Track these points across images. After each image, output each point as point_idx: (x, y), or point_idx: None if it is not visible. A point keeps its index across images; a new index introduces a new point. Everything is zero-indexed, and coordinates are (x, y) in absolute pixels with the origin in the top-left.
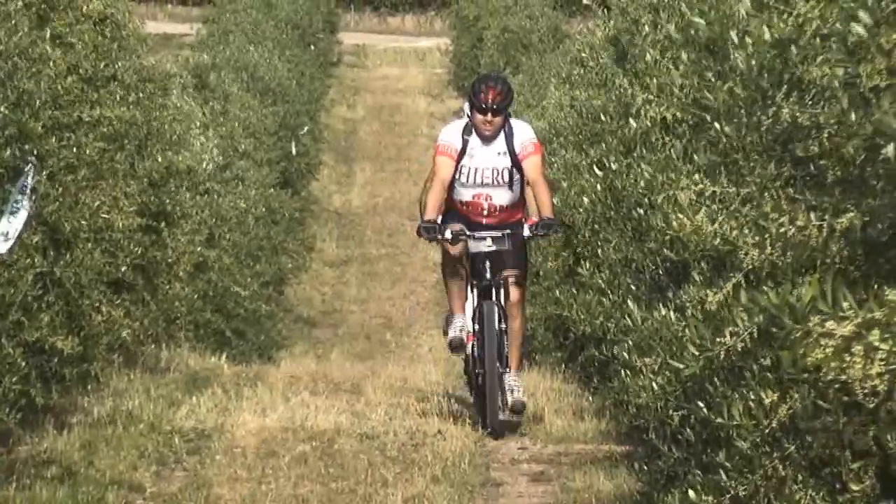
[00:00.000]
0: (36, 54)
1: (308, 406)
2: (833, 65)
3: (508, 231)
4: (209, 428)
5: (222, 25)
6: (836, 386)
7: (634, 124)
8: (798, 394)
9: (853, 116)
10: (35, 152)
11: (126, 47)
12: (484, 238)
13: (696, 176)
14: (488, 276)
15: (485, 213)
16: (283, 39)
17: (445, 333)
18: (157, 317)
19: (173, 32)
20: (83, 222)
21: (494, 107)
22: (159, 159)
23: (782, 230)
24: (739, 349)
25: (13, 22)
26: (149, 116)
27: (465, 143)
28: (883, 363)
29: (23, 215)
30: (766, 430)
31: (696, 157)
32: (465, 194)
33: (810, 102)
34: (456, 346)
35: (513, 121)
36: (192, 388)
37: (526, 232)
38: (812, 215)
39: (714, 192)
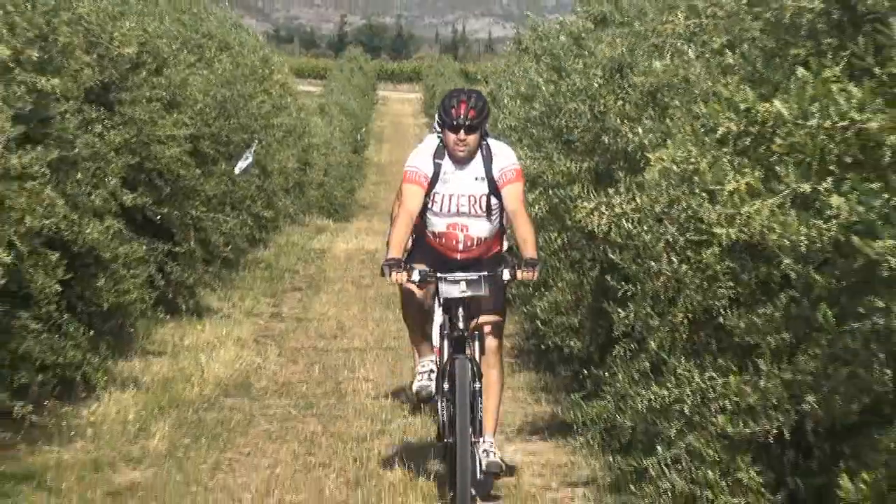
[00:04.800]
0: (255, 98)
1: (365, 240)
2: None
3: (486, 273)
4: (324, 248)
5: (330, 86)
6: (587, 228)
7: (500, 125)
8: (568, 233)
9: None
10: (257, 137)
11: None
12: (457, 282)
13: (526, 150)
14: (462, 325)
15: (460, 246)
16: (355, 92)
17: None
18: (304, 204)
19: (310, 90)
20: (276, 165)
21: (468, 123)
22: (306, 140)
23: (559, 168)
24: (542, 213)
25: (245, 82)
26: (303, 123)
27: (437, 167)
28: (605, 218)
29: (250, 161)
30: (552, 248)
31: (523, 140)
32: (437, 224)
33: (576, 120)
34: (424, 398)
35: (491, 142)
36: (317, 233)
37: (506, 276)
38: (571, 163)
39: (531, 146)
